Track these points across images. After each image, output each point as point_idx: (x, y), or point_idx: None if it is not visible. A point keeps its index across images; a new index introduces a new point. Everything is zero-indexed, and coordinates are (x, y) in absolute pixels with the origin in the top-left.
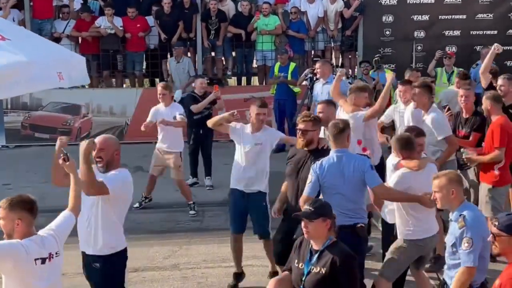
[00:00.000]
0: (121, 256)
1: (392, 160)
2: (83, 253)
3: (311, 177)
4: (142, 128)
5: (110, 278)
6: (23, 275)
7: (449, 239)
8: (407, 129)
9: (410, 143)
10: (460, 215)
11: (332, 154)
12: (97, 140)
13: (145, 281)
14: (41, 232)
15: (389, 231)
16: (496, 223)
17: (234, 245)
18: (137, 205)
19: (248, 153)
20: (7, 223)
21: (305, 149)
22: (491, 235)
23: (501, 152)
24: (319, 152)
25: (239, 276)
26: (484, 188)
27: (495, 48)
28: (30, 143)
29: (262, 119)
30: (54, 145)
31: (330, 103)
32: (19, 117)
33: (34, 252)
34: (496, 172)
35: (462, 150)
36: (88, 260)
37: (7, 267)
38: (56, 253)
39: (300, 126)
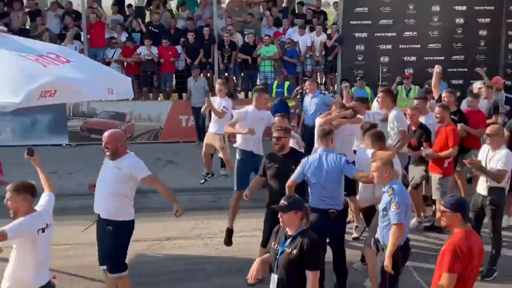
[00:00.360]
0: (131, 224)
1: (366, 152)
2: (99, 218)
3: (299, 168)
4: (203, 109)
5: (119, 240)
6: (29, 243)
7: (380, 206)
8: (371, 126)
9: (383, 136)
10: (390, 187)
11: (318, 152)
12: (104, 134)
13: (175, 247)
14: (37, 208)
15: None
16: (443, 202)
17: (236, 202)
18: (202, 181)
19: (257, 127)
20: (13, 203)
21: (280, 154)
22: (441, 211)
23: (455, 149)
24: (290, 155)
25: (231, 231)
26: (435, 177)
27: (436, 68)
28: (87, 143)
29: (266, 102)
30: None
31: (284, 116)
32: (79, 122)
33: (35, 225)
34: (446, 165)
35: (422, 148)
36: (102, 225)
37: (19, 241)
38: (50, 224)
39: (275, 134)
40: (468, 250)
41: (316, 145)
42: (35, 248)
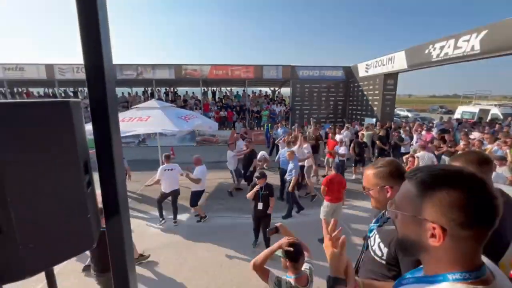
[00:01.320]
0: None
1: (285, 149)
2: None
3: (278, 155)
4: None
5: (195, 196)
6: (162, 175)
7: (289, 168)
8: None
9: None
10: (292, 162)
11: (284, 149)
12: (194, 157)
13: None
14: (173, 162)
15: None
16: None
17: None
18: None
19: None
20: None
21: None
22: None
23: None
24: (252, 152)
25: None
26: (330, 160)
27: (312, 119)
28: (201, 145)
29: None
30: (214, 143)
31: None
32: (199, 137)
33: (165, 168)
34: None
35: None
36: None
37: (161, 174)
38: (173, 169)
39: (246, 144)
40: (331, 180)
41: (280, 146)
42: (164, 176)
